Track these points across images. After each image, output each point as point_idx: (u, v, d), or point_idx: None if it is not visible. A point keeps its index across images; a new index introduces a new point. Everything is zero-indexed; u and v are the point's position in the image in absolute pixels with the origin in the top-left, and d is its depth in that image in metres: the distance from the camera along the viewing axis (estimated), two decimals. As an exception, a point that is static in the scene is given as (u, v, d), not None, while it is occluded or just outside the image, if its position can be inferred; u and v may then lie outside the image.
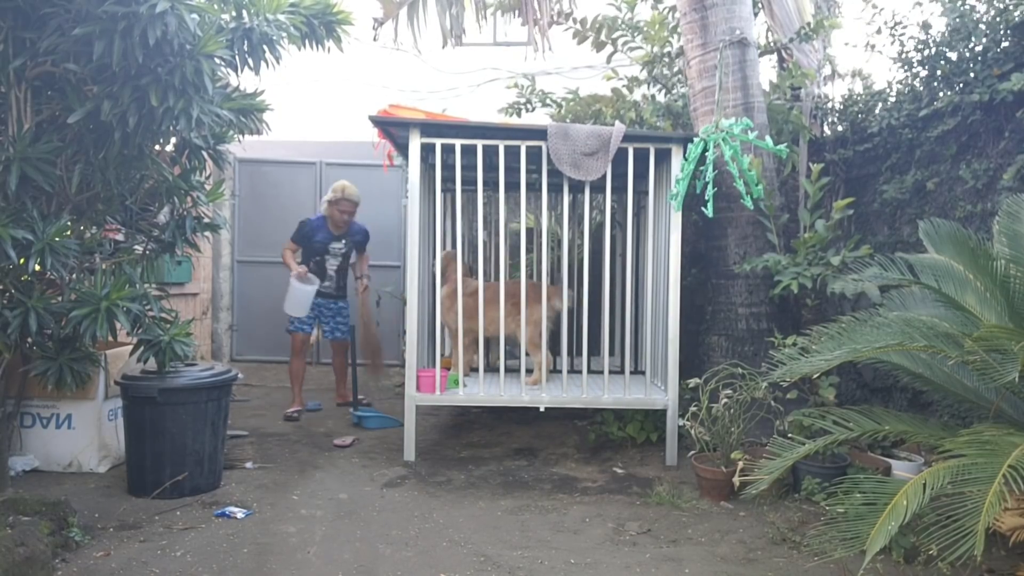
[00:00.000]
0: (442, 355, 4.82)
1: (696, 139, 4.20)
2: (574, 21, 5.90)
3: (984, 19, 4.21)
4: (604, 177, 4.41)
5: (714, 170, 4.23)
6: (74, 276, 3.43)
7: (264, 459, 4.44)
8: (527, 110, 6.16)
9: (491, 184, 4.83)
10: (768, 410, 3.89)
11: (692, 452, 3.99)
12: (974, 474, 2.32)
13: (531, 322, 4.76)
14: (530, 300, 4.70)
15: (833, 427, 3.03)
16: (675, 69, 5.99)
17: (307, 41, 3.69)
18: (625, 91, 5.90)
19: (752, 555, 3.11)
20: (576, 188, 4.63)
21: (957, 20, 4.30)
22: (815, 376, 3.69)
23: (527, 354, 4.92)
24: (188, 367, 3.85)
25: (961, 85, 4.28)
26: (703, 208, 4.31)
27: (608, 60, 6.06)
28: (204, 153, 3.78)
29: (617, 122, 4.98)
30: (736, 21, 4.85)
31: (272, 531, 3.31)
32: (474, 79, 8.68)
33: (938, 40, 4.45)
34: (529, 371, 4.87)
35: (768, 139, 4.29)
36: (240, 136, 3.83)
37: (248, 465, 4.30)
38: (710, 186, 4.20)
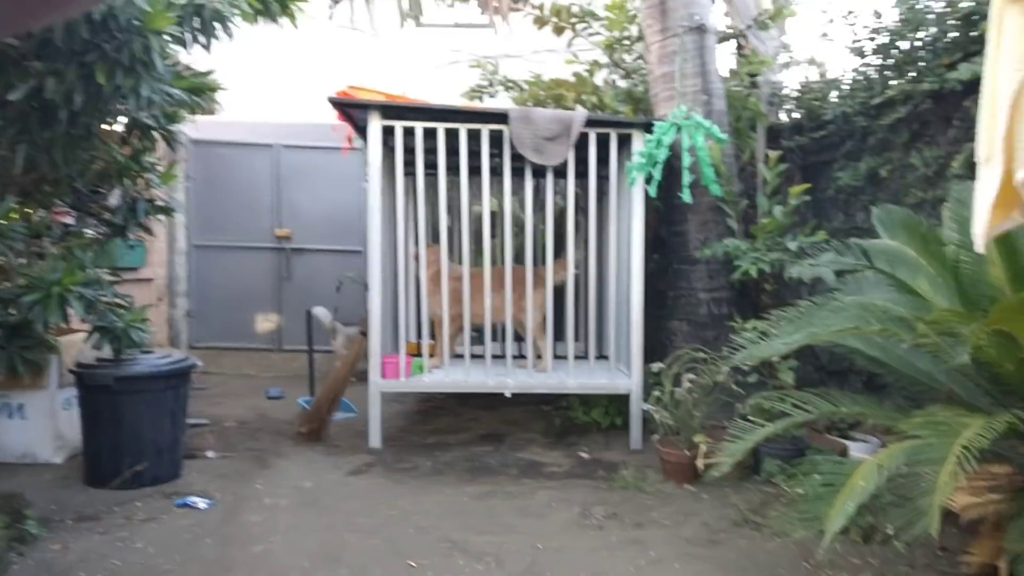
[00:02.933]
0: (406, 340, 4.79)
1: (667, 123, 4.21)
2: (532, 7, 5.86)
3: (931, 10, 4.30)
4: (567, 162, 4.41)
5: (691, 157, 4.26)
6: (23, 261, 3.30)
7: (226, 448, 4.37)
8: (490, 95, 6.12)
9: (453, 168, 4.79)
10: (730, 394, 3.96)
11: (656, 436, 4.05)
12: (928, 455, 2.39)
13: (537, 307, 4.80)
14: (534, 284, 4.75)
15: (792, 410, 3.08)
16: (635, 55, 6.00)
17: (261, 17, 3.60)
18: (586, 75, 5.90)
19: (715, 537, 3.18)
20: (539, 173, 4.62)
21: (907, 10, 4.39)
22: (774, 360, 3.77)
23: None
24: (145, 355, 3.75)
25: (912, 74, 4.38)
26: (678, 194, 4.33)
27: (568, 45, 6.04)
28: (155, 133, 3.66)
29: (579, 107, 4.98)
30: (695, 7, 4.88)
31: (235, 521, 3.26)
32: (435, 61, 8.57)
33: (890, 29, 4.54)
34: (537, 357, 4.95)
35: (714, 127, 4.32)
36: (192, 116, 3.72)
37: (209, 454, 4.22)
38: (686, 173, 4.22)
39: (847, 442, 3.80)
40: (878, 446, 3.70)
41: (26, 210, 3.40)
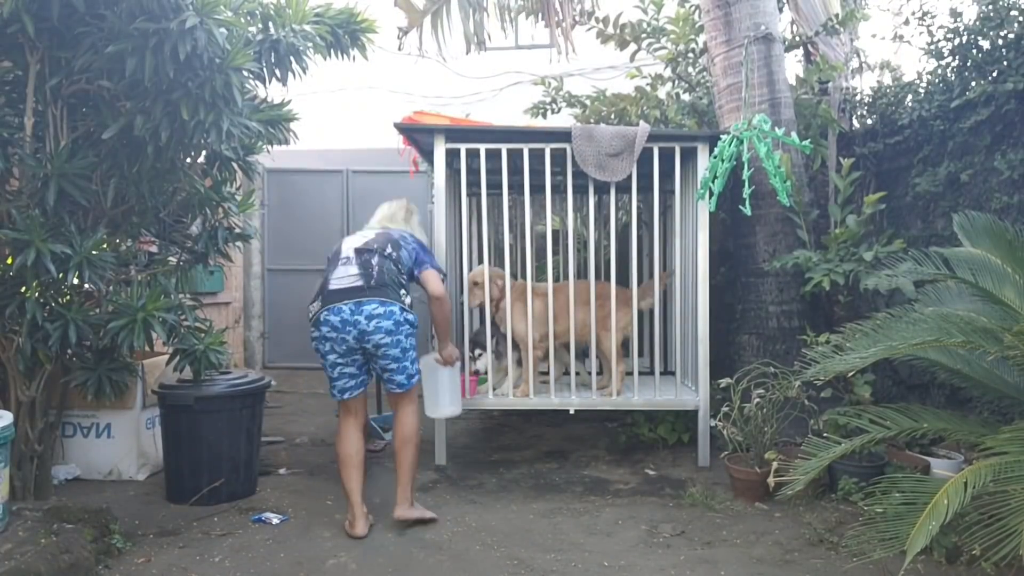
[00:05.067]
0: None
1: (728, 136, 4.15)
2: (596, 20, 5.89)
3: (1017, 5, 4.12)
4: (630, 177, 4.39)
5: (749, 168, 4.19)
6: (111, 288, 3.51)
7: (298, 465, 4.50)
8: (552, 111, 6.16)
9: (516, 187, 4.84)
10: (802, 409, 3.84)
11: (725, 453, 3.95)
12: (1017, 471, 2.28)
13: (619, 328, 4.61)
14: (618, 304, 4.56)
15: (870, 426, 2.98)
16: (699, 67, 5.94)
17: (332, 50, 3.75)
18: (649, 89, 5.88)
19: (789, 556, 3.07)
20: (601, 189, 4.62)
21: (989, 7, 4.22)
22: (850, 374, 3.64)
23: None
24: (223, 375, 3.92)
25: (995, 74, 4.20)
26: (740, 207, 4.27)
27: (631, 59, 6.04)
28: (234, 164, 3.86)
29: (642, 122, 4.96)
30: (760, 16, 4.81)
31: (307, 536, 3.35)
32: (497, 83, 8.71)
33: (969, 28, 4.36)
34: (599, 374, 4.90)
35: (794, 135, 4.24)
36: (268, 146, 3.90)
37: (282, 471, 4.35)
38: (747, 184, 4.15)
39: (929, 459, 3.62)
40: (962, 463, 3.51)
41: (115, 240, 3.61)
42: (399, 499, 3.41)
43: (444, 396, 3.82)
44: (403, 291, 3.39)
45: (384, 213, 3.80)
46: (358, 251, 3.40)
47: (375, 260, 3.35)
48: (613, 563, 3.03)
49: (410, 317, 3.37)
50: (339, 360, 3.35)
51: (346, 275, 3.32)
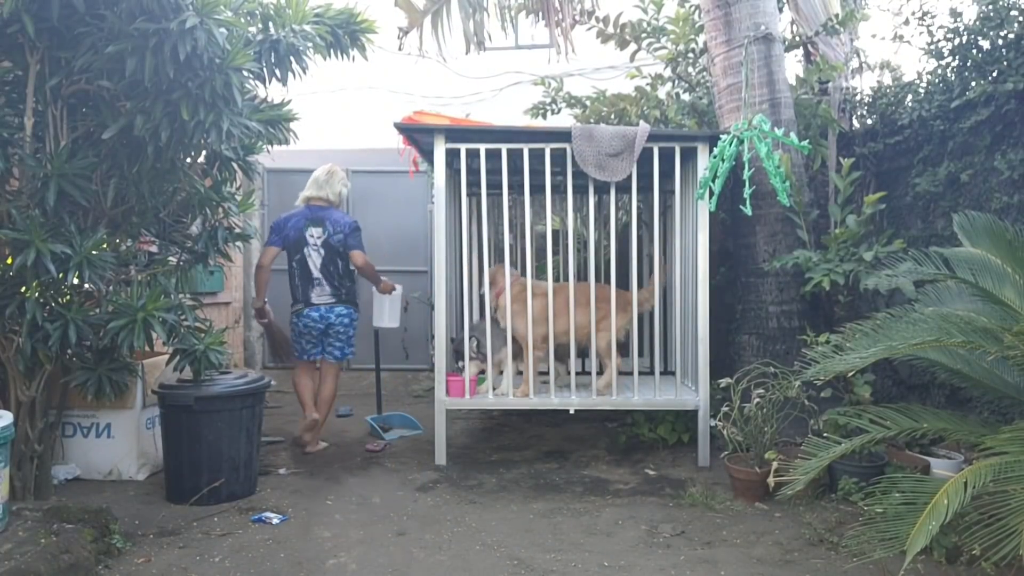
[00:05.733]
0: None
1: (728, 136, 4.15)
2: (597, 20, 5.88)
3: (1017, 5, 4.11)
4: (630, 177, 4.39)
5: (749, 168, 4.19)
6: (111, 288, 3.51)
7: (297, 464, 4.50)
8: (552, 111, 6.16)
9: (516, 187, 4.84)
10: (802, 409, 3.84)
11: (725, 453, 3.95)
12: (1017, 471, 2.27)
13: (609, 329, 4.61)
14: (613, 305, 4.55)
15: (870, 426, 2.98)
16: (699, 67, 5.94)
17: (332, 50, 3.76)
18: (649, 89, 5.87)
19: (789, 556, 3.07)
20: (601, 189, 4.62)
21: (989, 7, 4.22)
22: (850, 374, 3.64)
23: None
24: (223, 375, 3.92)
25: (995, 74, 4.19)
26: (740, 207, 4.26)
27: (631, 58, 6.03)
28: (234, 164, 3.86)
29: (642, 122, 4.96)
30: (760, 16, 4.81)
31: (307, 536, 3.35)
32: (497, 83, 8.70)
33: (969, 28, 4.36)
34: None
35: (793, 135, 4.24)
36: (268, 146, 3.90)
37: (282, 471, 4.35)
38: (747, 184, 4.15)
39: (929, 459, 3.62)
40: (962, 463, 3.51)
41: (115, 240, 3.61)
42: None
43: (384, 313, 5.26)
44: (355, 298, 4.94)
45: (312, 178, 4.97)
46: (325, 275, 4.78)
47: (342, 285, 4.82)
48: (613, 563, 3.03)
49: (355, 315, 4.93)
50: (311, 338, 4.84)
51: (323, 294, 4.80)
